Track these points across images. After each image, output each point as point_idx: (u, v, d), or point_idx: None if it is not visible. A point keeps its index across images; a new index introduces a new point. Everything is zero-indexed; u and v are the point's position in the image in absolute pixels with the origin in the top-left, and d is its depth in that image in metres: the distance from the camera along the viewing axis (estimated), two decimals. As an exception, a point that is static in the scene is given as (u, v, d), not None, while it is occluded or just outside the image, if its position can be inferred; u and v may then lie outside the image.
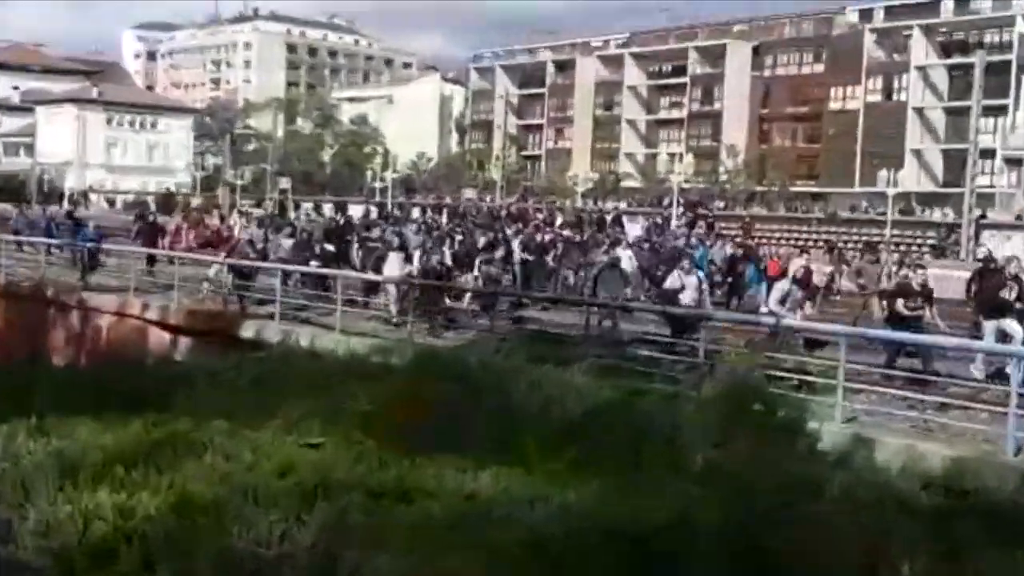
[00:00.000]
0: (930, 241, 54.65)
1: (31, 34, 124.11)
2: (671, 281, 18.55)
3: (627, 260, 23.07)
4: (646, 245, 29.03)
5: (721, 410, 7.40)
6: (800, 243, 48.96)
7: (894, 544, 4.38)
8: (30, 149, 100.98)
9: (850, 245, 49.67)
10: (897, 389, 14.44)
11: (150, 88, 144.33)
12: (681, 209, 61.63)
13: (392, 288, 20.89)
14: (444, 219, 48.87)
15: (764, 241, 46.69)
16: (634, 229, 48.32)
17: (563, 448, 5.67)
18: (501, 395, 6.87)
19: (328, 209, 54.74)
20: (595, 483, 4.96)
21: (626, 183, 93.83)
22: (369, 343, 15.64)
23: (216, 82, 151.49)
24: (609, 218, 50.89)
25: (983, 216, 55.93)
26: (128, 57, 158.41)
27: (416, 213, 56.14)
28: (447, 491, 4.71)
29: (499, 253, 23.75)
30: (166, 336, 22.29)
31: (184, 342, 21.72)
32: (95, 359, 22.27)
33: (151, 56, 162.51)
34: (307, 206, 61.87)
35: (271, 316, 20.92)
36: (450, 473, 4.95)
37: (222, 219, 47.48)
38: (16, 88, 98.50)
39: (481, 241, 26.14)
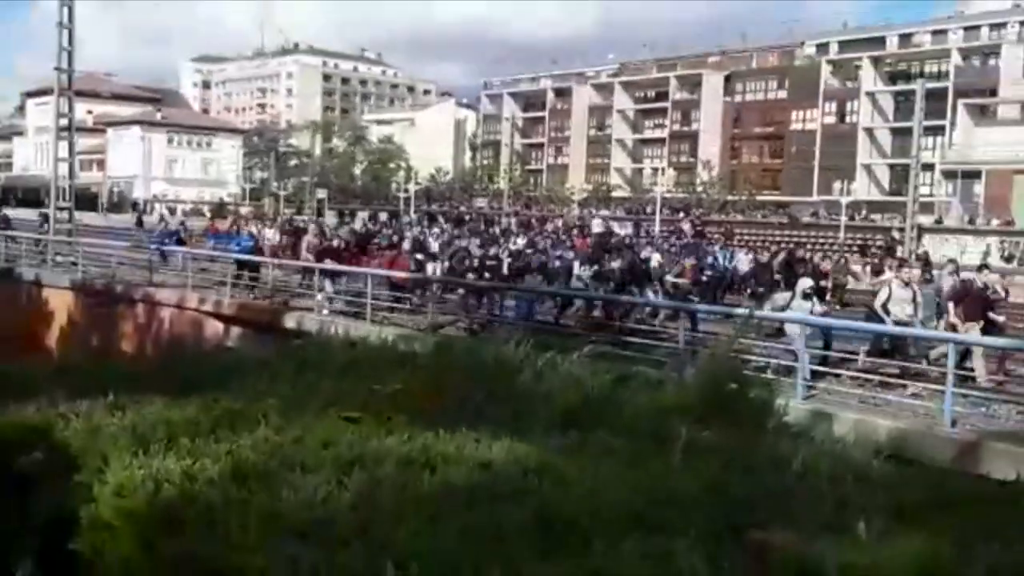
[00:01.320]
0: (879, 243, 54.50)
1: (103, 65, 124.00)
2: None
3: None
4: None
5: (699, 391, 7.40)
6: (769, 244, 48.78)
7: (849, 506, 4.39)
8: (101, 165, 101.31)
9: (808, 246, 49.70)
10: (849, 370, 14.44)
11: (205, 112, 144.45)
12: (682, 215, 61.50)
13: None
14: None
15: (741, 243, 46.63)
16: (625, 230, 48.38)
17: (564, 426, 5.67)
18: (511, 379, 6.87)
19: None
20: (592, 456, 4.97)
21: (616, 193, 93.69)
22: (397, 332, 15.63)
23: (262, 107, 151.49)
24: (596, 224, 49.62)
25: (939, 221, 56.10)
26: (186, 85, 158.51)
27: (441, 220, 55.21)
28: (466, 460, 4.71)
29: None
30: (220, 326, 22.32)
31: (235, 331, 21.74)
32: (159, 346, 22.32)
33: (206, 84, 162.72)
34: (362, 215, 61.97)
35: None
36: (468, 445, 4.95)
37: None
38: (90, 112, 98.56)
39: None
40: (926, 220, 56.85)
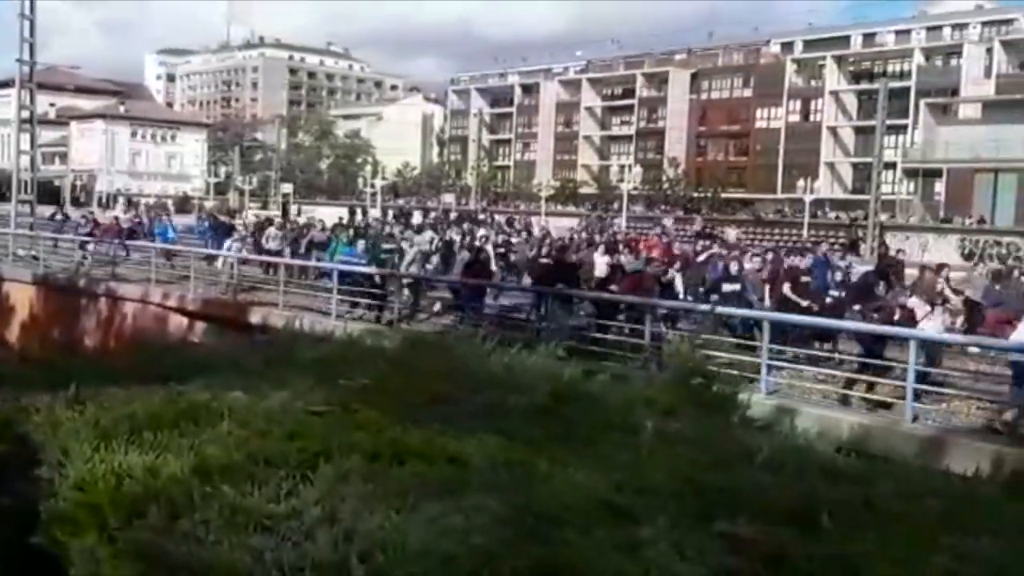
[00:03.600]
0: (841, 240, 54.99)
1: (66, 58, 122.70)
2: None
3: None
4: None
5: (666, 385, 7.43)
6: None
7: (816, 499, 4.42)
8: (64, 158, 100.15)
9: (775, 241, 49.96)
10: (811, 366, 14.56)
11: (169, 105, 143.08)
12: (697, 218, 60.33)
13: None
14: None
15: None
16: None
17: (535, 419, 5.66)
18: (480, 373, 6.86)
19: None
20: (563, 449, 4.97)
21: (583, 190, 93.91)
22: (363, 327, 15.58)
23: (227, 100, 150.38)
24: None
25: (946, 220, 56.68)
26: (150, 78, 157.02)
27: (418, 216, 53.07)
28: (435, 454, 4.69)
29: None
30: (184, 321, 22.14)
31: (200, 326, 21.57)
32: (123, 341, 22.11)
33: (170, 78, 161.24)
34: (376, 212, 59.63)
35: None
36: (438, 439, 4.92)
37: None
38: (52, 105, 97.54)
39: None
40: (914, 219, 57.81)
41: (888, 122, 55.75)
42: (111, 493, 4.17)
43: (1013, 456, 9.75)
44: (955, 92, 72.42)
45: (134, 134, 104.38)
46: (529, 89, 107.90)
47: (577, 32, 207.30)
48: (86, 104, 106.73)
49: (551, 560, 3.42)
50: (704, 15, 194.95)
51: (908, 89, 74.07)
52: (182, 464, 4.47)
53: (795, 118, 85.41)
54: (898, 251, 26.08)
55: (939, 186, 63.39)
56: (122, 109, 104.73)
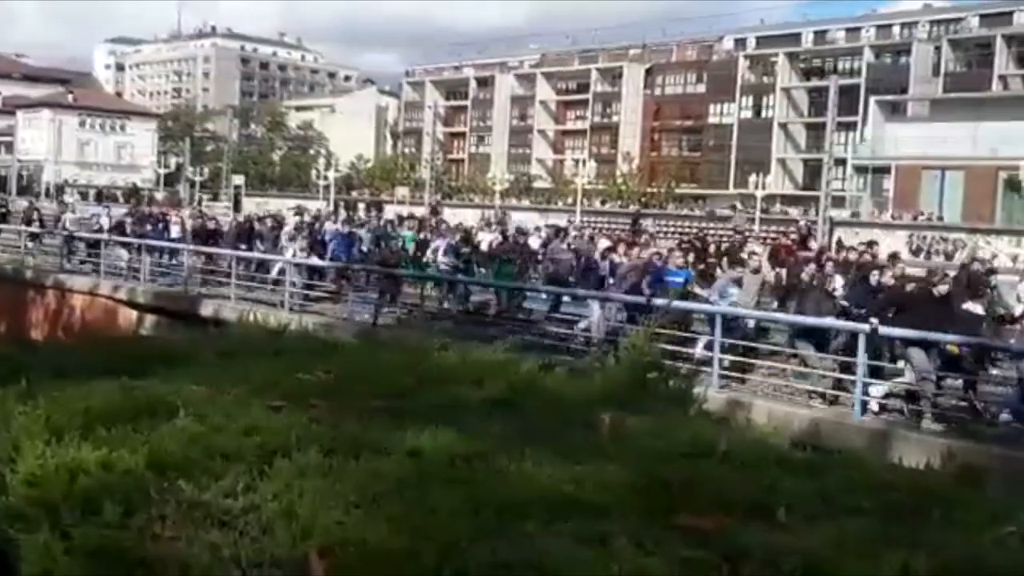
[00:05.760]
0: (792, 236, 55.51)
1: (12, 46, 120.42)
2: None
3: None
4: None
5: (623, 379, 7.46)
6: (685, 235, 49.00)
7: (775, 492, 4.47)
8: (10, 148, 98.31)
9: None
10: (762, 360, 14.73)
11: (119, 95, 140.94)
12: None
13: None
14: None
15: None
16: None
17: (492, 413, 5.66)
18: (437, 367, 6.84)
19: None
20: (521, 442, 4.97)
21: (537, 184, 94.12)
22: (317, 320, 15.50)
23: (178, 91, 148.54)
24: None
25: (941, 218, 57.12)
26: (100, 67, 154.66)
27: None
28: (393, 448, 4.67)
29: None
30: (134, 314, 21.87)
31: (150, 319, 21.32)
32: (71, 333, 21.78)
33: (120, 67, 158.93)
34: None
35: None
36: (395, 432, 4.90)
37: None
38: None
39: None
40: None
41: (838, 119, 56.41)
42: (64, 488, 4.10)
43: (962, 449, 9.95)
44: (904, 90, 73.54)
45: (82, 123, 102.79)
46: (484, 82, 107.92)
47: (536, 26, 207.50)
48: (33, 93, 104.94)
49: (513, 554, 3.42)
50: (660, 11, 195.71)
51: (858, 86, 75.08)
52: (137, 459, 4.41)
53: (747, 114, 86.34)
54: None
55: (888, 183, 64.30)
56: (70, 98, 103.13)
